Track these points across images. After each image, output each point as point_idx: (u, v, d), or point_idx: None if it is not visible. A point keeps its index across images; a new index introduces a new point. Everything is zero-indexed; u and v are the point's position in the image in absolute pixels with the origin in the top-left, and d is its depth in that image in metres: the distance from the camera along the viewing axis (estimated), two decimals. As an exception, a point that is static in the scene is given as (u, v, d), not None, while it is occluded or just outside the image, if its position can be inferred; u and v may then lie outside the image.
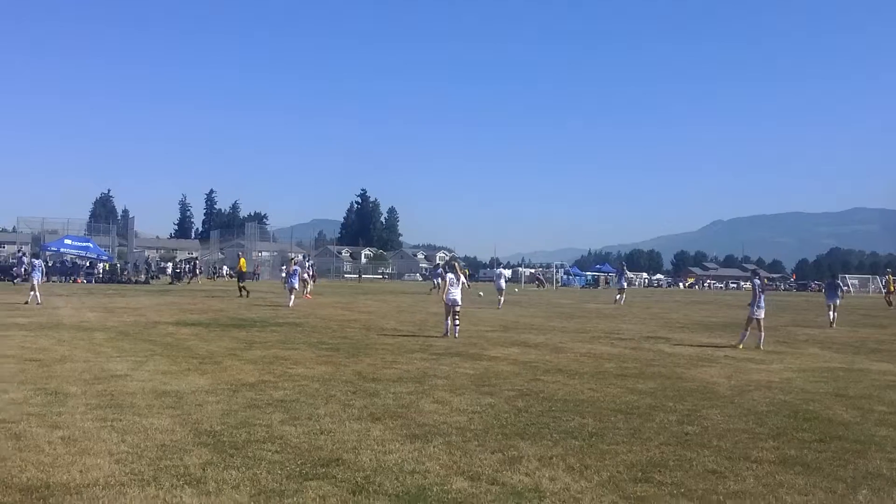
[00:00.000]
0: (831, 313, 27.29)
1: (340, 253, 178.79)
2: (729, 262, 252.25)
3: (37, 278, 29.63)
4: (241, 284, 39.56)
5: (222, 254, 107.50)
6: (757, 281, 19.27)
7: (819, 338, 22.09)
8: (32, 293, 28.77)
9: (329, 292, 47.00)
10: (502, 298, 34.18)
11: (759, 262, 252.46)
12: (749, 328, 18.58)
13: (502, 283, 35.68)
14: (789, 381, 12.89)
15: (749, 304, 18.83)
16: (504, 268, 52.76)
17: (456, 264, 21.62)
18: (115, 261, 67.87)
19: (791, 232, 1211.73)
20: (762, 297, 18.61)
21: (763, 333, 18.41)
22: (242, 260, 41.85)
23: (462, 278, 20.34)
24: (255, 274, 70.14)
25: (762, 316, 18.43)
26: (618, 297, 41.84)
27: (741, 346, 18.13)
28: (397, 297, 44.06)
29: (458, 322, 19.36)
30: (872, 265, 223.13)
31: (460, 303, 19.57)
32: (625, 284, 44.42)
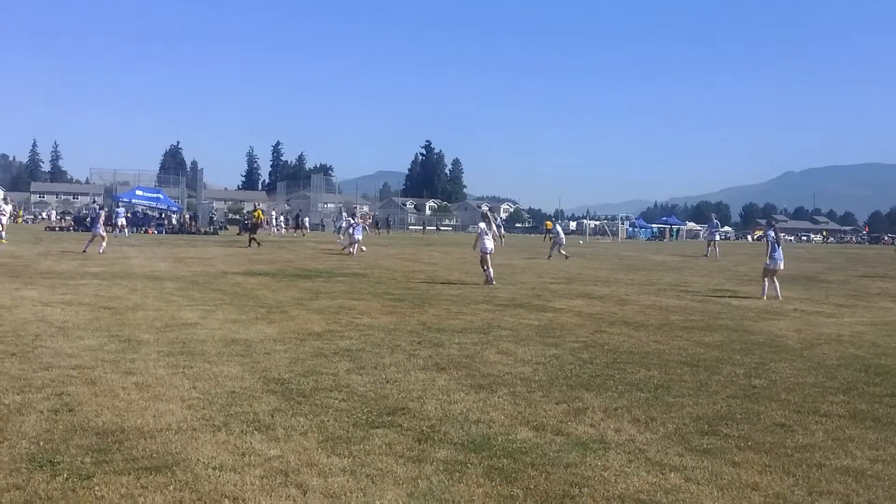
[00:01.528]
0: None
1: (405, 205, 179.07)
2: (799, 214, 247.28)
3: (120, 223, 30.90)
4: (253, 236, 39.13)
5: (288, 205, 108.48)
6: (771, 233, 19.39)
7: (892, 291, 21.65)
8: (103, 243, 29.44)
9: (394, 244, 47.22)
10: (553, 251, 34.23)
11: (831, 215, 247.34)
12: (766, 279, 18.86)
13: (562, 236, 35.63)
14: (860, 334, 12.66)
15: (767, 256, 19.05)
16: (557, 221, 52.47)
17: (489, 215, 22.14)
18: (184, 211, 68.92)
19: (867, 183, 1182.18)
20: (778, 249, 18.83)
21: (777, 284, 18.72)
22: (258, 211, 41.80)
23: (493, 228, 21.04)
24: (321, 225, 70.70)
25: (777, 267, 18.78)
26: (709, 249, 41.65)
27: (765, 297, 18.23)
28: (461, 248, 44.05)
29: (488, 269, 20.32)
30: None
31: (491, 250, 20.74)
32: (716, 237, 43.54)
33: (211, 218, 74.47)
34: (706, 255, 40.30)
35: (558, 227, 37.04)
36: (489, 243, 20.58)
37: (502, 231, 52.90)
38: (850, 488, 5.30)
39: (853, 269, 32.67)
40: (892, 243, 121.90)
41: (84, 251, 28.77)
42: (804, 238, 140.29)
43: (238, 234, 56.56)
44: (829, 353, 10.68)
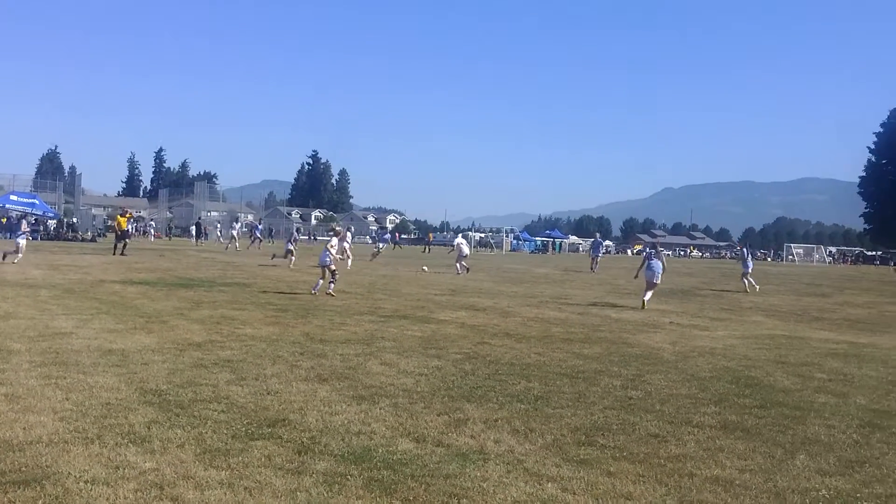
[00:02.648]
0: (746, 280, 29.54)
1: (290, 214, 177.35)
2: (677, 229, 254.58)
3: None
4: (120, 243, 37.92)
5: (171, 212, 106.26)
6: (650, 249, 22.64)
7: (763, 305, 22.49)
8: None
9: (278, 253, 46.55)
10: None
11: (707, 231, 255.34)
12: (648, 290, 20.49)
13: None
14: (732, 347, 13.12)
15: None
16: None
17: (339, 229, 22.96)
18: (62, 217, 66.90)
19: (741, 201, 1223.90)
20: (655, 262, 20.88)
21: (649, 295, 20.38)
22: (120, 217, 40.63)
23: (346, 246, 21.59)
24: (204, 233, 69.51)
25: (654, 280, 20.69)
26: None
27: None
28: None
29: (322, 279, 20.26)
30: (818, 234, 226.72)
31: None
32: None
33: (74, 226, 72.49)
34: (593, 271, 40.82)
35: (460, 240, 36.32)
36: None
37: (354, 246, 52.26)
38: (719, 497, 5.48)
39: (727, 283, 33.78)
40: (765, 259, 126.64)
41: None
42: (682, 253, 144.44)
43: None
44: (703, 366, 11.03)
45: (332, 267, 20.02)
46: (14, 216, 41.80)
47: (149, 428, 6.54)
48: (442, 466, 5.87)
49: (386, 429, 6.85)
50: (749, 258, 31.15)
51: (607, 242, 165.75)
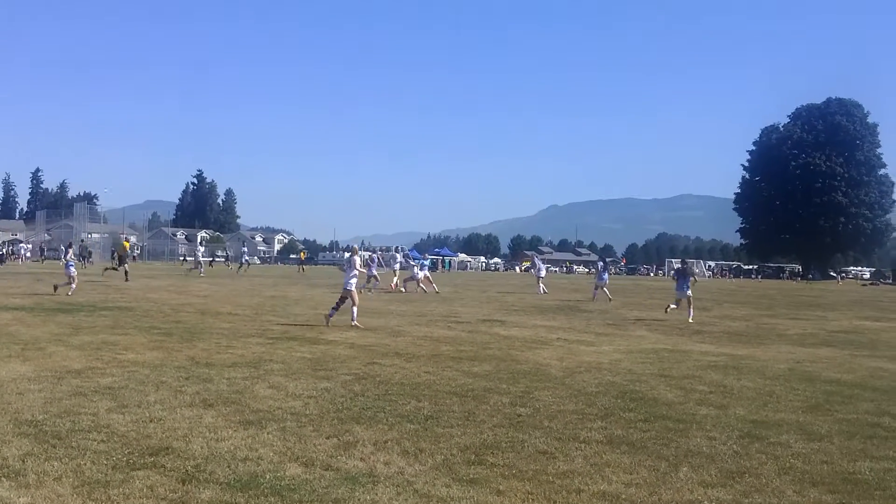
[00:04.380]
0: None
1: (175, 235, 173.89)
2: (563, 246, 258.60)
3: None
4: (126, 268, 38.48)
5: (49, 234, 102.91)
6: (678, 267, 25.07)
7: (647, 320, 22.99)
8: None
9: (162, 275, 45.69)
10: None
11: (592, 247, 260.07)
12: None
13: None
14: (618, 362, 13.36)
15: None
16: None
17: (355, 248, 21.54)
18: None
19: (623, 217, 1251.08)
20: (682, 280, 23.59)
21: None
22: (126, 242, 42.04)
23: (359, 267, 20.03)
24: (87, 256, 67.68)
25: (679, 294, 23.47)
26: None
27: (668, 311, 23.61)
28: (234, 280, 43.24)
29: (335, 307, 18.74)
30: (697, 249, 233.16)
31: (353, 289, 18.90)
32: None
33: None
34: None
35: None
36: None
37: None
38: (605, 511, 5.55)
39: (612, 299, 34.45)
40: (648, 274, 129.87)
41: None
42: (566, 269, 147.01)
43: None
44: (589, 381, 11.19)
45: (355, 294, 18.60)
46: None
47: (23, 461, 6.27)
48: (331, 491, 5.79)
49: (273, 454, 6.73)
50: (604, 272, 34.77)
51: (495, 259, 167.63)
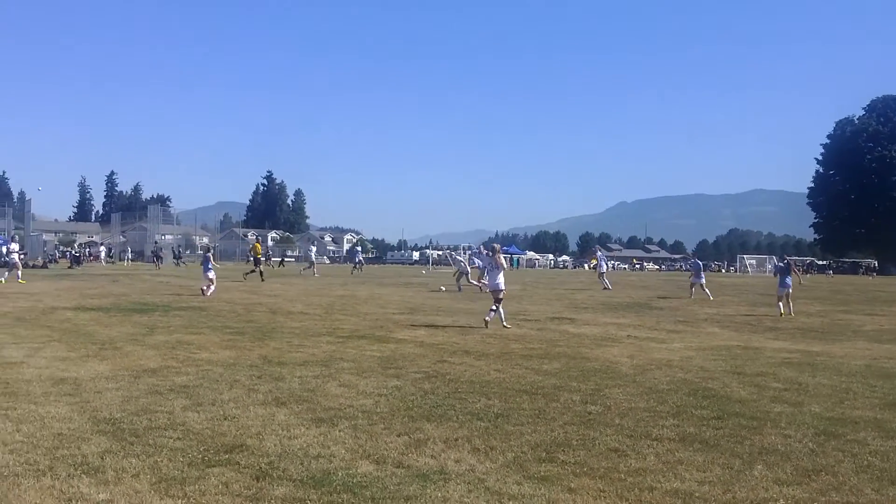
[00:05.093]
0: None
1: (246, 236, 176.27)
2: (632, 243, 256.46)
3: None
4: (260, 269, 41.08)
5: (124, 236, 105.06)
6: (779, 264, 25.18)
7: (717, 317, 22.67)
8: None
9: (235, 275, 46.27)
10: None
11: (661, 244, 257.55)
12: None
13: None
14: (689, 359, 13.20)
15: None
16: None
17: (497, 247, 20.15)
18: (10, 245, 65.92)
19: (693, 213, 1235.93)
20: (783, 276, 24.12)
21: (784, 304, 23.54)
22: (258, 244, 45.18)
23: (504, 263, 19.27)
24: (159, 258, 69.21)
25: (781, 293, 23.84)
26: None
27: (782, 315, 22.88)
28: (305, 280, 43.67)
29: (494, 308, 18.10)
30: (769, 246, 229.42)
31: (503, 288, 18.44)
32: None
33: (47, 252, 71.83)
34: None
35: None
36: (500, 279, 18.41)
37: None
38: (679, 510, 5.49)
39: (682, 295, 34.04)
40: (719, 270, 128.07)
41: None
42: (637, 266, 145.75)
43: (69, 268, 54.23)
44: (660, 378, 11.07)
45: (501, 295, 18.28)
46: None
47: (102, 458, 6.41)
48: (402, 488, 5.82)
49: (345, 451, 6.78)
50: (700, 271, 33.79)
51: (564, 257, 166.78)
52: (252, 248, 45.62)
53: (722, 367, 12.36)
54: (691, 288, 32.98)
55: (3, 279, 31.71)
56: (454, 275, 36.76)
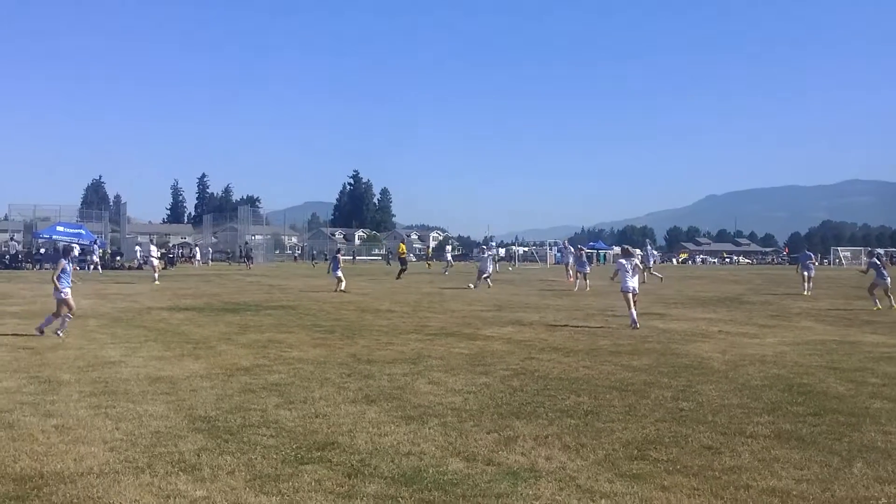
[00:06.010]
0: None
1: (334, 235, 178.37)
2: (722, 236, 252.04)
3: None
4: (404, 268, 43.82)
5: (215, 237, 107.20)
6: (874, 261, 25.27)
7: (812, 311, 22.14)
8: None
9: (322, 274, 46.78)
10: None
11: (752, 237, 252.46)
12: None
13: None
14: (783, 354, 12.91)
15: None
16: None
17: (629, 249, 19.54)
18: (108, 247, 67.82)
19: (785, 205, 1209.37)
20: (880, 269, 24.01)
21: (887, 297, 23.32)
22: (402, 244, 47.93)
23: (637, 263, 18.77)
24: (249, 258, 70.44)
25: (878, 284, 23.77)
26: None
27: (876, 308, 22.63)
28: (392, 278, 43.99)
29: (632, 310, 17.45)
30: (864, 237, 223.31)
31: (636, 290, 17.86)
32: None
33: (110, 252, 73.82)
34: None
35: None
36: (633, 282, 17.75)
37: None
38: (776, 508, 5.37)
39: (774, 289, 33.34)
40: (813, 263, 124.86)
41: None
42: (727, 260, 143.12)
43: (164, 269, 55.64)
44: (754, 374, 10.85)
45: (634, 297, 17.61)
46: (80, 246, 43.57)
47: (199, 455, 6.55)
48: (493, 486, 5.81)
49: (436, 449, 6.81)
50: (810, 263, 33.22)
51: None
52: (397, 249, 47.30)
53: (817, 362, 12.07)
54: (804, 283, 31.56)
55: (156, 282, 35.10)
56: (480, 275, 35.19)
